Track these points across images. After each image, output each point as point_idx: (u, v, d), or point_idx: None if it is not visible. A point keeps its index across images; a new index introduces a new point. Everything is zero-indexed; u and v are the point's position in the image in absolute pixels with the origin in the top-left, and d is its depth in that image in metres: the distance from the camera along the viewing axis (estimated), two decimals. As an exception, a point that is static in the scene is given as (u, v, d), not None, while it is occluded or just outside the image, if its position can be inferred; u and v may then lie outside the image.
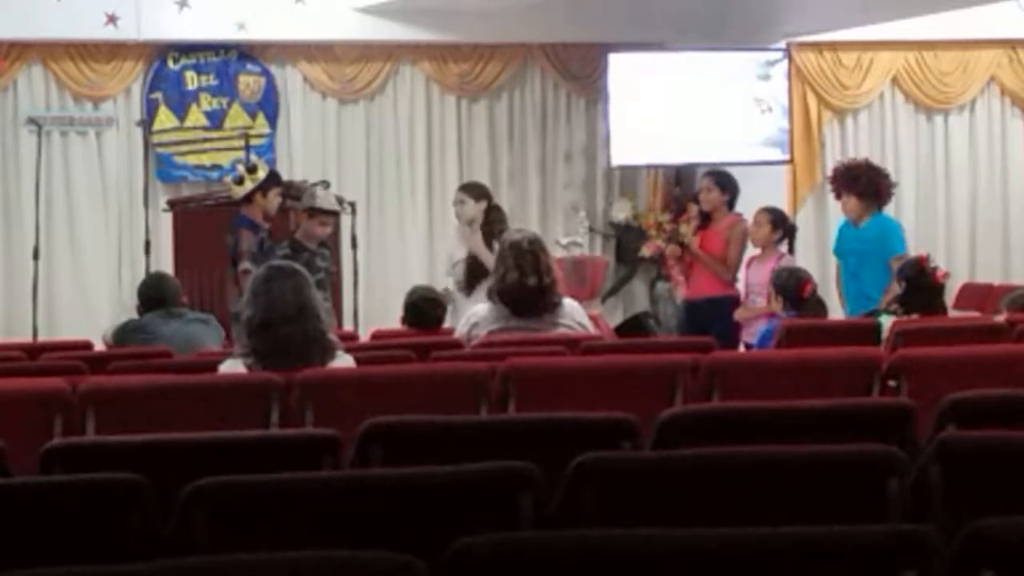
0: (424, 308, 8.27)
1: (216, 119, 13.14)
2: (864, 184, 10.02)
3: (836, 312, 10.28)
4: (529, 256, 7.28)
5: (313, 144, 13.38)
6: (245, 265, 9.74)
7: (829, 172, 10.79)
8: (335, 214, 10.49)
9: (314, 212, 10.16)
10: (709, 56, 12.66)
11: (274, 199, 10.19)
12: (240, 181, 10.21)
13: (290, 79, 13.37)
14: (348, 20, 13.01)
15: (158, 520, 3.75)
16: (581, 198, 13.95)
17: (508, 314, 7.30)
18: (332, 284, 10.41)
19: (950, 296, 11.52)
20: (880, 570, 2.98)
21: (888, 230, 10.04)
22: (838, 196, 10.32)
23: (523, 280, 7.23)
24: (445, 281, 10.70)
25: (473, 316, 7.49)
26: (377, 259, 13.22)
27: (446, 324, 8.43)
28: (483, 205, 10.26)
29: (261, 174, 10.28)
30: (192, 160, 13.08)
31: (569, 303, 7.46)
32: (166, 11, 12.63)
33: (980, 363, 6.23)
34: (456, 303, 9.86)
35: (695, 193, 10.92)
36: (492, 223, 9.98)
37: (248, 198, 10.11)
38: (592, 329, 7.77)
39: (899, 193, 12.05)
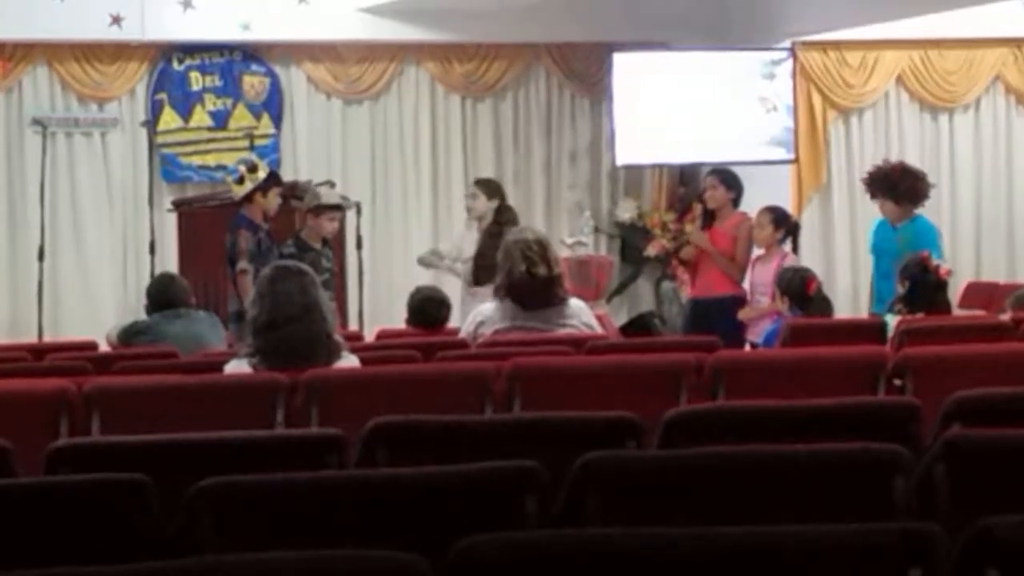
0: (428, 308, 8.27)
1: (221, 120, 13.14)
2: (902, 191, 9.99)
3: (842, 310, 10.26)
4: (536, 247, 7.26)
5: (318, 144, 13.38)
6: (242, 265, 9.77)
7: (864, 175, 10.70)
8: (340, 208, 10.52)
9: (321, 209, 10.18)
10: (714, 55, 12.65)
11: (274, 199, 10.19)
12: (240, 181, 10.21)
13: (294, 79, 13.37)
14: (352, 20, 13.01)
15: (163, 520, 3.75)
16: (586, 198, 13.95)
17: (515, 312, 7.27)
18: (335, 284, 10.42)
19: (955, 295, 11.50)
20: (886, 569, 2.98)
21: (925, 233, 9.95)
22: (873, 197, 10.27)
23: (532, 270, 7.20)
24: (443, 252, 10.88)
25: (479, 315, 7.47)
26: (382, 259, 13.22)
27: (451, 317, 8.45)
28: (495, 203, 10.31)
29: (261, 174, 10.28)
30: (197, 161, 13.08)
31: (576, 303, 7.44)
32: (170, 12, 12.63)
33: (985, 362, 6.23)
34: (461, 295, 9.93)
35: (700, 192, 10.91)
36: (502, 223, 9.97)
37: (248, 198, 10.12)
38: (598, 330, 7.76)
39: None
